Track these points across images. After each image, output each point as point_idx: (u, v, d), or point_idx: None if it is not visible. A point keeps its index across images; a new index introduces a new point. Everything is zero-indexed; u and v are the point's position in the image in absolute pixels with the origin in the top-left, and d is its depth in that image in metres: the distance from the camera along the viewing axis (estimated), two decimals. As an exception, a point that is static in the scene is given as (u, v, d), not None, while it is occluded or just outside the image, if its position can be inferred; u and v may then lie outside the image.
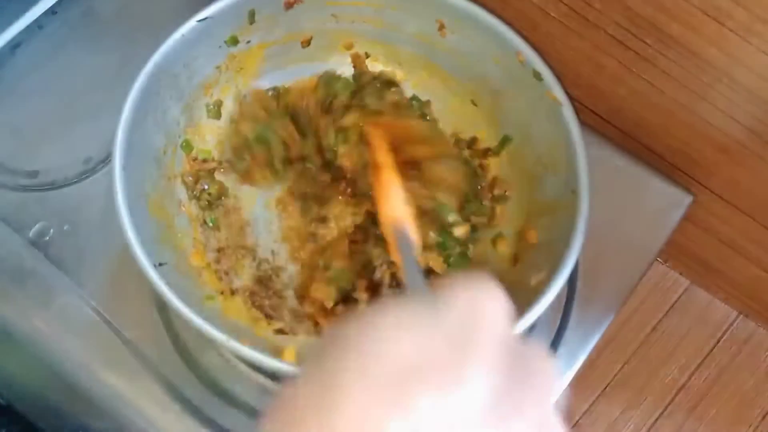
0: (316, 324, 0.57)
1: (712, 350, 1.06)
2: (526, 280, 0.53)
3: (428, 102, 0.64)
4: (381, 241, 0.58)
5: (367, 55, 0.64)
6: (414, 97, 0.64)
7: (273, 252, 0.60)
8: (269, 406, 0.22)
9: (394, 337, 0.22)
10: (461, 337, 0.23)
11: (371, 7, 0.60)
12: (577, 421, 1.02)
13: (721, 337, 1.07)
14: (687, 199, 0.69)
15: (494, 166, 0.62)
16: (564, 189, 0.54)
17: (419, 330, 0.23)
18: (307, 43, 0.63)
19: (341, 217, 0.60)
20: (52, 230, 0.62)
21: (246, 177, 0.60)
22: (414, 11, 0.59)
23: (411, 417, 0.20)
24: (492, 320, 0.24)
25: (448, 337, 0.22)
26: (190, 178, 0.59)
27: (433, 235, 0.58)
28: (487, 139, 0.62)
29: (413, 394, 0.21)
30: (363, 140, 0.57)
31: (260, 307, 0.57)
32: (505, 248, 0.58)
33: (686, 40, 0.59)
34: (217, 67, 0.59)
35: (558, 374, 0.26)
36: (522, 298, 0.50)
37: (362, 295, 0.57)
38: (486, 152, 0.62)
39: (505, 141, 0.61)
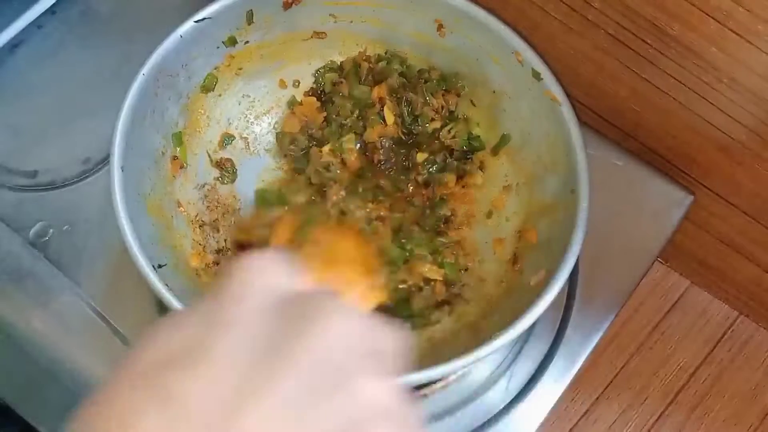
0: None
1: (712, 350, 1.06)
2: (526, 280, 0.52)
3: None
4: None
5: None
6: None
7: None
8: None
9: (153, 335, 0.23)
10: (211, 314, 0.23)
11: (370, 7, 0.60)
12: (577, 422, 1.02)
13: (722, 337, 1.07)
14: (687, 199, 0.69)
15: (491, 166, 0.62)
16: (563, 189, 0.54)
17: (179, 321, 0.23)
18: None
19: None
20: (51, 230, 0.62)
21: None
22: (412, 11, 0.59)
23: (168, 402, 0.20)
24: (245, 285, 0.23)
25: (202, 317, 0.23)
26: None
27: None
28: (486, 139, 0.62)
29: (165, 377, 0.21)
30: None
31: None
32: (504, 249, 0.58)
33: (687, 39, 0.59)
34: (216, 68, 0.59)
35: (339, 309, 0.23)
36: (522, 298, 0.50)
37: None
38: (472, 152, 0.62)
39: (504, 140, 0.61)
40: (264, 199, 0.61)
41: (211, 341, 0.21)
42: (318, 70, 0.64)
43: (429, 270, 0.57)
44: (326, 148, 0.61)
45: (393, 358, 0.24)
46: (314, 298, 0.23)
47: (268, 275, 0.24)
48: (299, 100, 0.64)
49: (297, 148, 0.62)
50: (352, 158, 0.61)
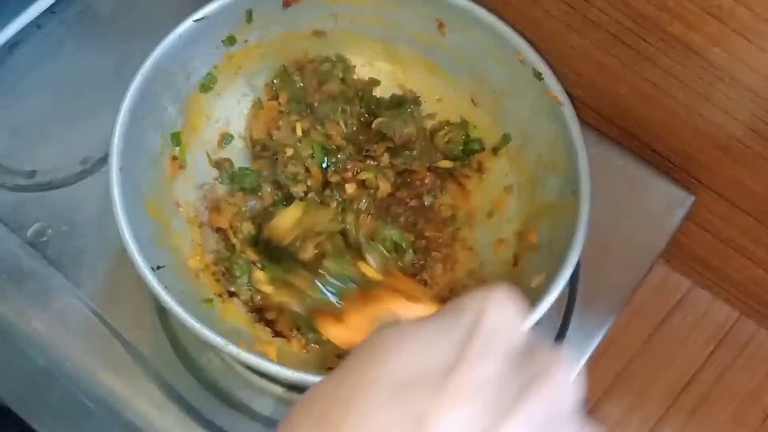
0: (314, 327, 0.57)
1: (713, 351, 1.06)
2: (526, 282, 0.52)
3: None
4: None
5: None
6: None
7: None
8: (291, 409, 0.24)
9: (396, 347, 0.24)
10: (462, 342, 0.23)
11: (370, 6, 0.60)
12: (578, 422, 1.02)
13: (723, 338, 1.06)
14: (689, 199, 0.68)
15: (492, 167, 0.62)
16: (564, 190, 0.54)
17: (424, 339, 0.24)
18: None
19: None
20: (50, 230, 0.62)
21: None
22: (413, 10, 0.59)
23: (421, 424, 0.21)
24: (495, 321, 0.24)
25: (452, 343, 0.24)
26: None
27: None
28: (487, 139, 0.62)
29: (418, 398, 0.22)
30: None
31: (258, 311, 0.57)
32: (505, 250, 0.58)
33: (688, 39, 0.59)
34: (215, 67, 0.59)
35: (570, 373, 0.25)
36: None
37: None
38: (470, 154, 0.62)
39: (504, 140, 0.61)
40: (241, 178, 0.60)
41: (465, 370, 0.22)
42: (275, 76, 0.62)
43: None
44: (289, 152, 0.59)
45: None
46: (542, 353, 0.25)
47: (511, 323, 0.25)
48: (263, 102, 0.63)
49: (269, 153, 0.61)
50: (315, 169, 0.59)
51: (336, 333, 0.49)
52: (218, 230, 0.59)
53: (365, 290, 0.51)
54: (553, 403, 0.23)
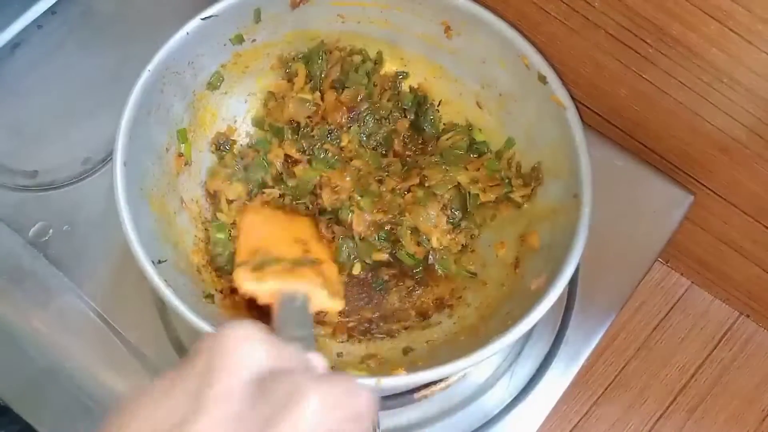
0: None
1: (712, 351, 1.06)
2: (527, 284, 0.52)
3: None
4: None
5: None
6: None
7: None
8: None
9: (135, 406, 0.24)
10: (195, 391, 0.24)
11: (377, 8, 0.60)
12: (578, 422, 1.02)
13: (722, 337, 1.07)
14: (688, 199, 0.69)
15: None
16: (566, 193, 0.54)
17: (160, 393, 0.24)
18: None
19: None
20: (51, 230, 0.62)
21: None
22: (420, 12, 0.59)
23: None
24: (226, 360, 0.24)
25: (185, 393, 0.24)
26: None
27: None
28: (491, 143, 0.62)
29: None
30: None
31: (258, 308, 0.57)
32: (506, 252, 0.58)
33: (687, 39, 0.59)
34: (223, 66, 0.59)
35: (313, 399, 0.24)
36: (522, 302, 0.50)
37: None
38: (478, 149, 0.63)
39: (509, 144, 0.61)
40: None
41: (198, 418, 0.23)
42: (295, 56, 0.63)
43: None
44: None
45: (368, 415, 0.26)
46: (290, 377, 0.24)
47: (247, 350, 0.25)
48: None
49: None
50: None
51: (242, 276, 0.50)
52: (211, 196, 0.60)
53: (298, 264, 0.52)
54: (305, 426, 0.23)
